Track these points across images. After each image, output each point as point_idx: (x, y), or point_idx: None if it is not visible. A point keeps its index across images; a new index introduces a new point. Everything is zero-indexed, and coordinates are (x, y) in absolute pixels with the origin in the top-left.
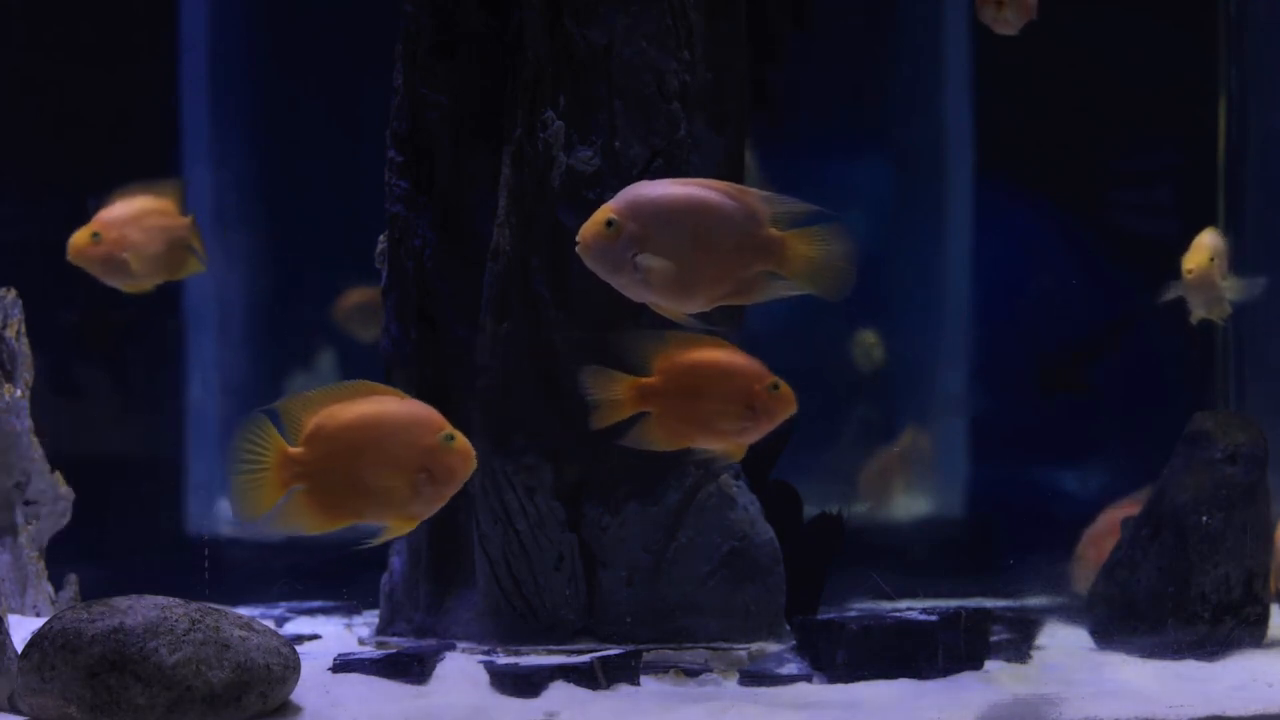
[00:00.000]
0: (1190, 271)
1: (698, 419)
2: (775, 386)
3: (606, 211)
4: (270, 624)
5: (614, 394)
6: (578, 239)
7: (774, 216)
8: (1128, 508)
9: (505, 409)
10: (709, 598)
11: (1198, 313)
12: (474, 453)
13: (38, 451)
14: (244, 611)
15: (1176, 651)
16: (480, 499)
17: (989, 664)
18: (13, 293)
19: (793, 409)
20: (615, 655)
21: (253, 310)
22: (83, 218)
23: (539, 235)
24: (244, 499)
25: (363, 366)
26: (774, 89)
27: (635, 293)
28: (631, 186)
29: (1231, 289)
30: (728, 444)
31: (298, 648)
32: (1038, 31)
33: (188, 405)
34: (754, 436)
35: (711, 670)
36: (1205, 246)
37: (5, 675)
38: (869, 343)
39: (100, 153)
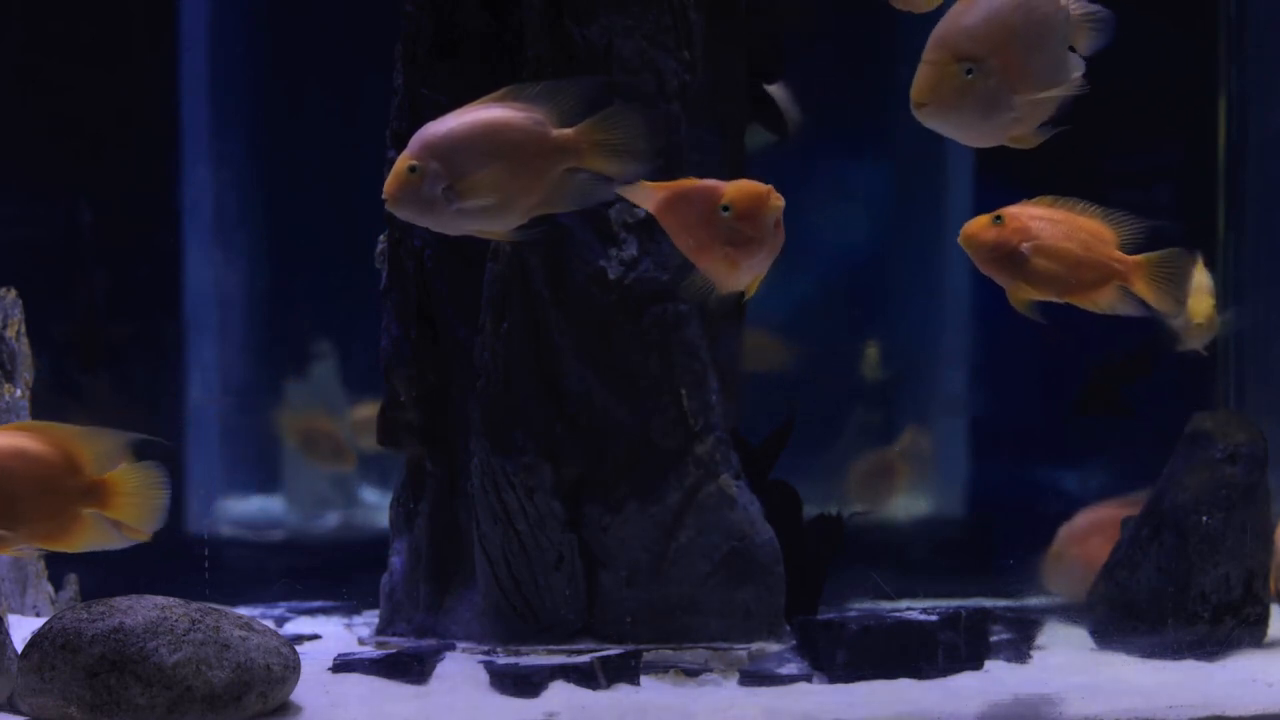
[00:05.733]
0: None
1: None
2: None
3: (405, 160)
4: (270, 624)
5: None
6: (384, 195)
7: (559, 116)
8: (1116, 510)
9: (505, 409)
10: (709, 598)
11: (1184, 345)
12: None
13: None
14: (244, 611)
15: (1176, 651)
16: (480, 499)
17: (989, 664)
18: (13, 293)
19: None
20: (615, 655)
21: (252, 310)
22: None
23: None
24: None
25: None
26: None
27: (454, 226)
28: (419, 131)
29: (1219, 324)
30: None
31: (298, 648)
32: None
33: (188, 405)
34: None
35: (711, 670)
36: (1204, 290)
37: (5, 675)
38: (868, 347)
39: (100, 153)
